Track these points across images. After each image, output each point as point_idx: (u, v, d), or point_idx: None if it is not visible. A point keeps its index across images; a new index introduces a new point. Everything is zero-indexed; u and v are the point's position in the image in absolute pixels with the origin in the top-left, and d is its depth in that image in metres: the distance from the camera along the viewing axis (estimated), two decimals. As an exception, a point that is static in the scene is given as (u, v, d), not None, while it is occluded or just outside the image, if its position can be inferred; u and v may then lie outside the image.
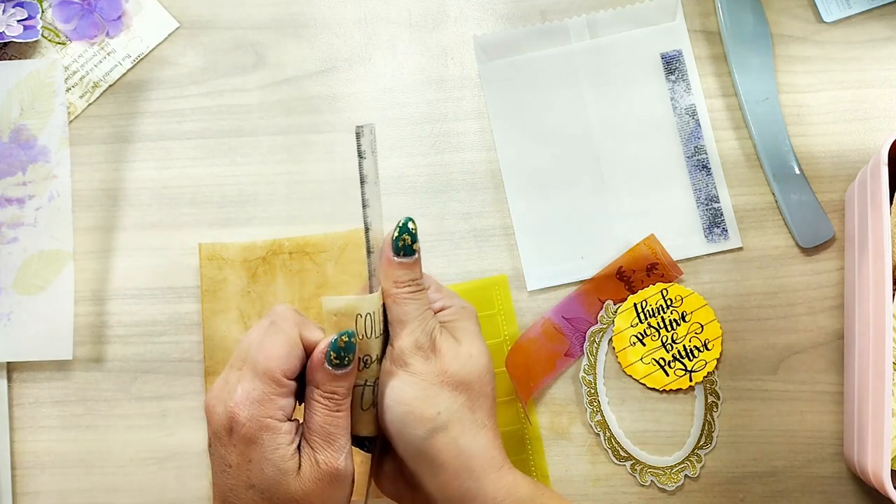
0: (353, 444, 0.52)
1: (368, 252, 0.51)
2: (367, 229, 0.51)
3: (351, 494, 0.49)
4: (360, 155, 0.51)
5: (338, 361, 0.47)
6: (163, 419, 0.63)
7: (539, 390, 0.63)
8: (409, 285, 0.50)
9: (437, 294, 0.53)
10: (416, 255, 0.50)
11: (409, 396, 0.49)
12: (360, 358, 0.50)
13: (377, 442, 0.53)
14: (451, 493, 0.49)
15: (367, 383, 0.50)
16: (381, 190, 0.65)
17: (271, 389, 0.47)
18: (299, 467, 0.47)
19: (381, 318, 0.50)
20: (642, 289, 0.63)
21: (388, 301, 0.50)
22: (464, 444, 0.49)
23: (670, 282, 0.63)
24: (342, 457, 0.48)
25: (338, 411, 0.48)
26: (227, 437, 0.47)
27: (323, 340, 0.48)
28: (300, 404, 0.49)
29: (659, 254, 0.63)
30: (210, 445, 0.48)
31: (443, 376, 0.49)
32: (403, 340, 0.50)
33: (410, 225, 0.50)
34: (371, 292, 0.51)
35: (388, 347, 0.50)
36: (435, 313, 0.52)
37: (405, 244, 0.50)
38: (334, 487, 0.47)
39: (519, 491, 0.49)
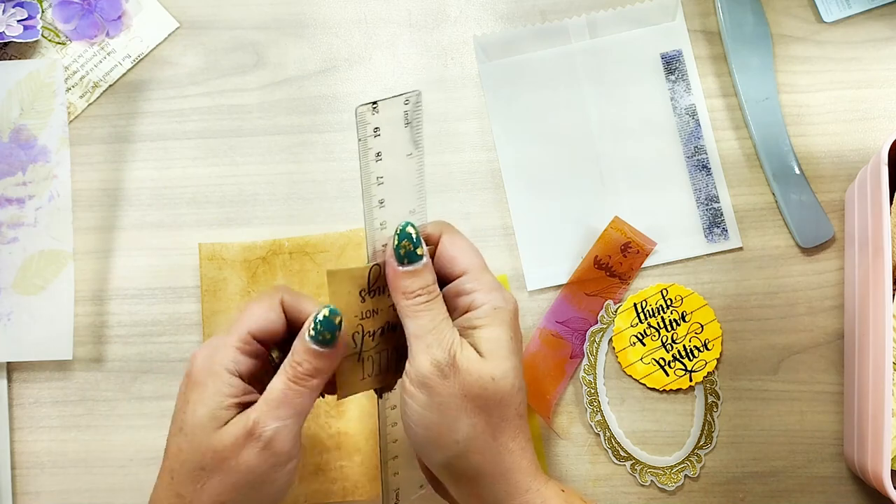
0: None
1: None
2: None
3: (286, 484, 0.47)
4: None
5: (313, 334, 0.46)
6: (163, 419, 0.63)
7: (558, 398, 0.62)
8: (421, 294, 0.47)
9: (473, 284, 0.49)
10: (424, 260, 0.47)
11: (427, 421, 0.46)
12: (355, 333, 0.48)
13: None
14: None
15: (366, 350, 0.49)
16: (390, 188, 0.65)
17: (231, 341, 0.47)
18: (227, 423, 0.45)
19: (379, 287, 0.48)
20: (623, 271, 0.63)
21: (401, 315, 0.47)
22: (485, 471, 0.47)
23: (647, 255, 0.63)
24: (275, 425, 0.45)
25: (295, 383, 0.46)
26: (184, 382, 0.47)
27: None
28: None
29: (628, 232, 0.63)
30: None
31: (462, 399, 0.46)
32: (420, 358, 0.46)
33: (409, 229, 0.47)
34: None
35: (407, 365, 0.47)
36: (464, 313, 0.48)
37: (407, 251, 0.47)
38: (253, 453, 0.45)
39: None
